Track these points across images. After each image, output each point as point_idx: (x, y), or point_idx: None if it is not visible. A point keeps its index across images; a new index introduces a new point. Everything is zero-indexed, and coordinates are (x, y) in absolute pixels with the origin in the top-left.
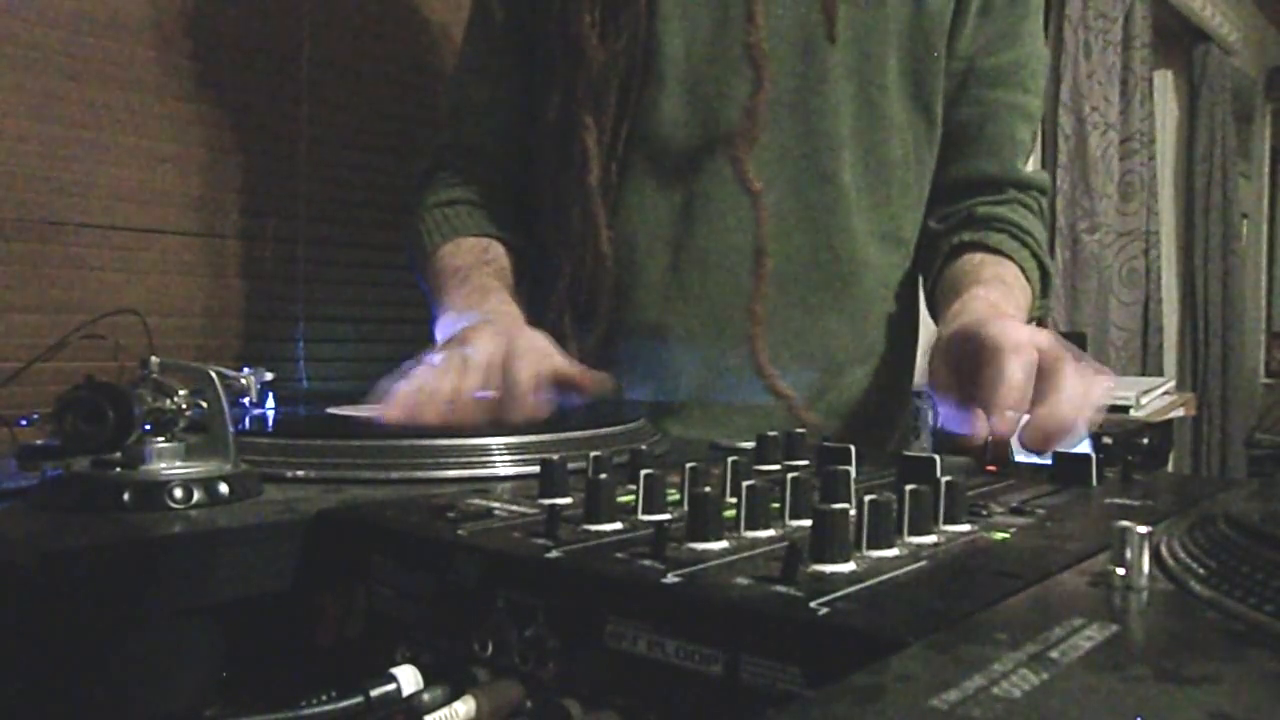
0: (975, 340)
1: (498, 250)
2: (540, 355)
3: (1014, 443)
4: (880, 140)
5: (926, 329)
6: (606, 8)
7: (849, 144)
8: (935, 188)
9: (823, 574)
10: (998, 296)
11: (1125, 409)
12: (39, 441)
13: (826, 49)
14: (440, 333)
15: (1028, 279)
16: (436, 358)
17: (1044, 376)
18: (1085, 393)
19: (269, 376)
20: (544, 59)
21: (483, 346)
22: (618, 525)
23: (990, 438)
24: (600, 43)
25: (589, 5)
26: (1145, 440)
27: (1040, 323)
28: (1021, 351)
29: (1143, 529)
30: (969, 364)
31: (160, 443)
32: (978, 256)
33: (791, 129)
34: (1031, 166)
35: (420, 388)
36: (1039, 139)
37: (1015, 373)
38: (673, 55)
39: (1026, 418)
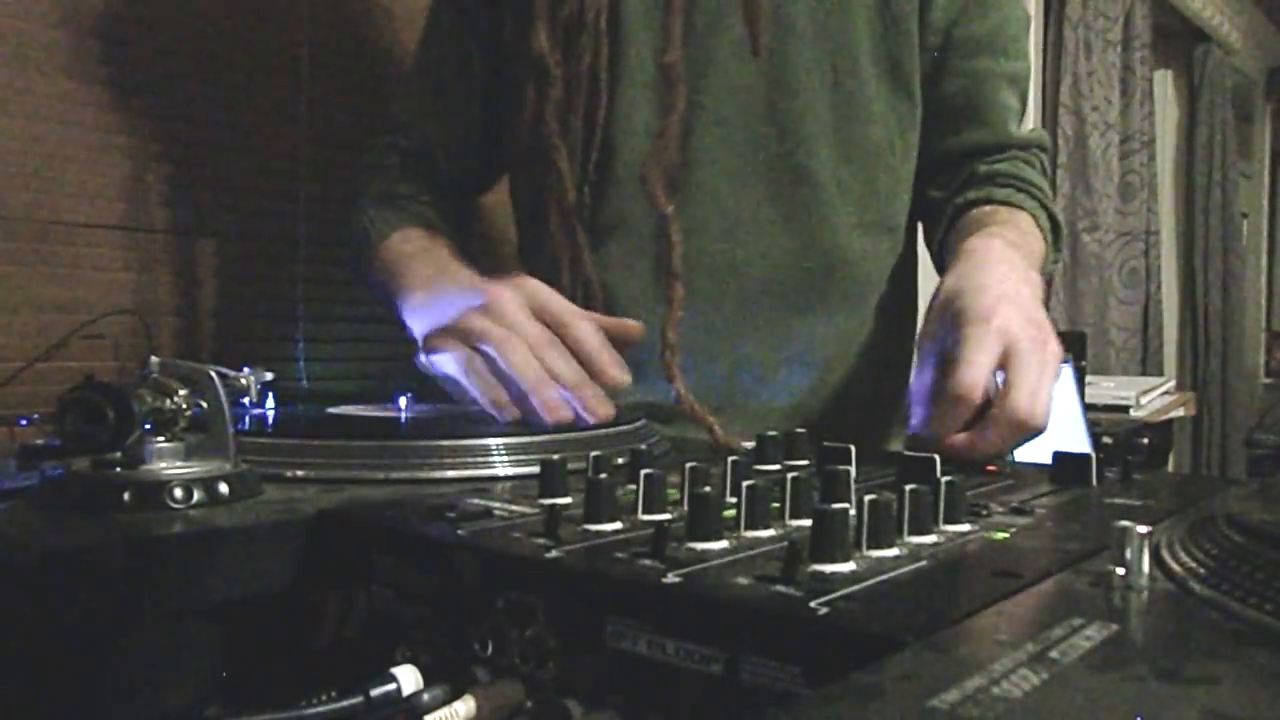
0: (954, 312)
1: (445, 240)
2: (579, 311)
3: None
4: (859, 129)
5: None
6: (564, 27)
7: (826, 137)
8: (930, 162)
9: (823, 574)
10: (1014, 236)
11: (1125, 409)
12: (39, 441)
13: (794, 45)
14: (415, 314)
15: (1039, 227)
16: (486, 344)
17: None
18: (1038, 383)
19: (269, 376)
20: (510, 84)
21: (522, 317)
22: (618, 525)
23: (955, 443)
24: (562, 62)
25: (548, 28)
26: (1145, 440)
27: (1044, 296)
28: (983, 351)
29: (1143, 529)
30: (948, 337)
31: (160, 443)
32: (987, 207)
33: (765, 129)
34: (1025, 127)
35: (538, 382)
36: None
37: (972, 367)
38: (640, 62)
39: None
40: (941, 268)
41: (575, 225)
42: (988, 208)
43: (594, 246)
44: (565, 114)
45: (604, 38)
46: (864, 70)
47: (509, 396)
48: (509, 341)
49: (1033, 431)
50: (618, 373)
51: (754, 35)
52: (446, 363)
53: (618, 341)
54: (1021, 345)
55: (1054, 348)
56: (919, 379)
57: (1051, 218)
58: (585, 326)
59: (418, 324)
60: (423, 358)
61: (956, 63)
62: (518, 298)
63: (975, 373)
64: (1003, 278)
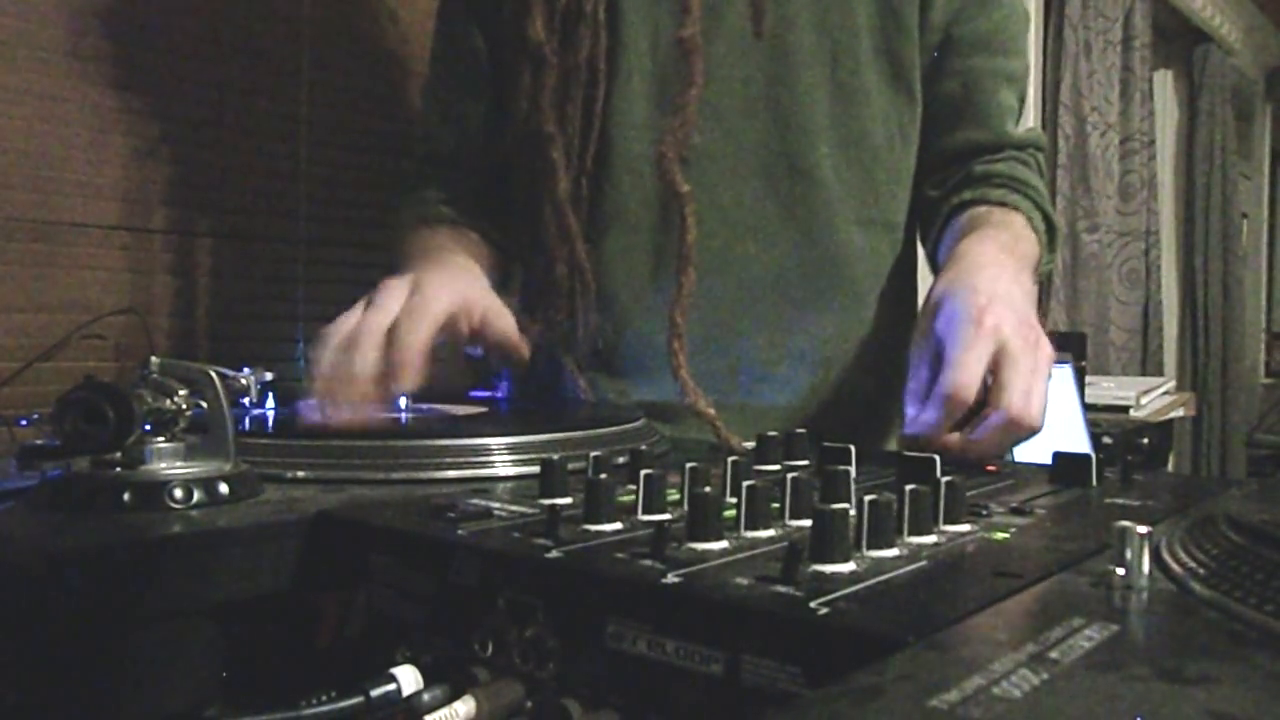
0: (946, 314)
1: (472, 234)
2: (430, 313)
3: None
4: (859, 125)
5: None
6: (562, 17)
7: (826, 133)
8: (927, 160)
9: (823, 574)
10: (1006, 239)
11: (1125, 409)
12: (39, 441)
13: (794, 39)
14: None
15: (1033, 229)
16: (348, 322)
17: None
18: (1029, 385)
19: (269, 376)
20: (508, 71)
21: (384, 304)
22: (618, 525)
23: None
24: (559, 52)
25: (545, 16)
26: (1145, 440)
27: (1043, 300)
28: (975, 352)
29: (1143, 529)
30: (939, 338)
31: (160, 443)
32: (981, 208)
33: (764, 124)
34: (1024, 127)
35: (328, 378)
36: None
37: (963, 367)
38: (638, 54)
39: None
40: (935, 267)
41: (568, 215)
42: (982, 209)
43: (591, 239)
44: (562, 104)
45: (603, 28)
46: (864, 66)
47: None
48: (334, 329)
49: (1027, 431)
50: (404, 378)
51: (757, 14)
52: None
53: (503, 354)
54: (1013, 345)
55: (1046, 349)
56: (913, 381)
57: (1046, 218)
58: (407, 325)
59: None
60: None
61: (955, 61)
62: (400, 287)
63: (966, 373)
64: (993, 280)
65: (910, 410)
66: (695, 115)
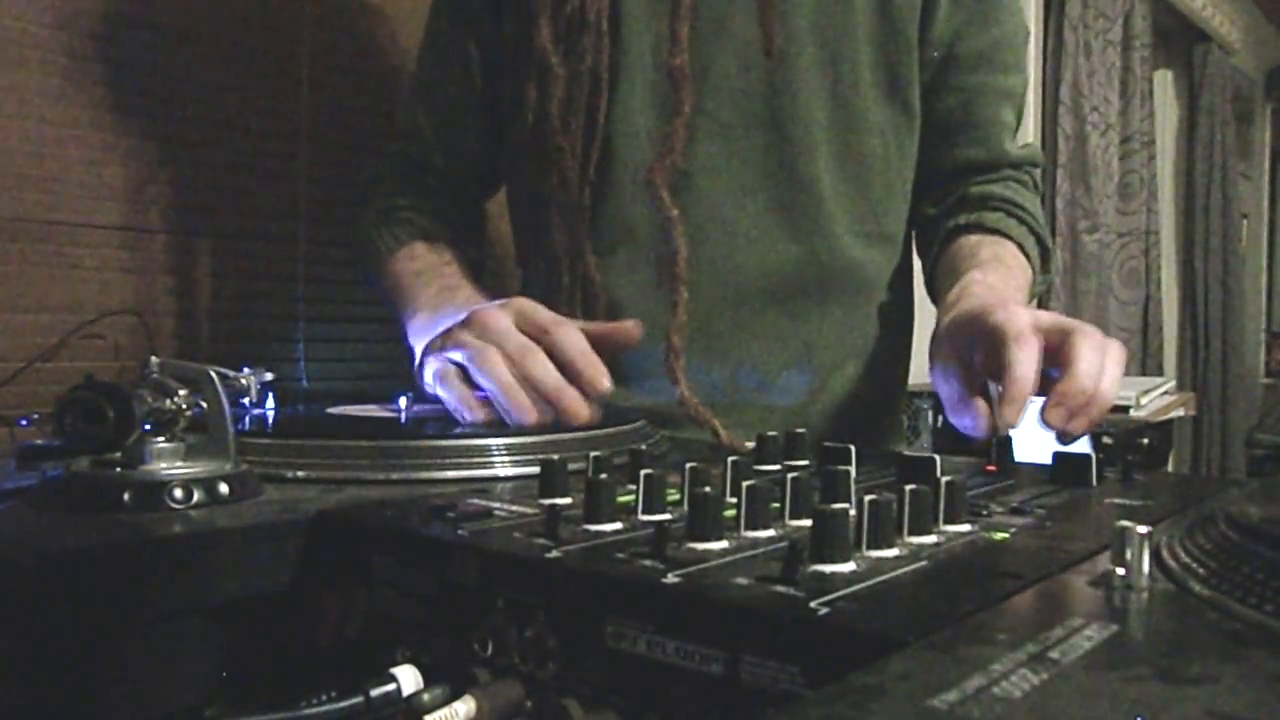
0: (978, 329)
1: (452, 255)
2: (565, 320)
3: (1016, 438)
4: (857, 139)
5: (921, 324)
6: (566, 28)
7: (825, 146)
8: (925, 176)
9: (823, 574)
10: (996, 279)
11: (1125, 409)
12: (39, 441)
13: (794, 53)
14: (417, 336)
15: (1026, 255)
16: (462, 353)
17: (1054, 355)
18: (1102, 361)
19: (269, 376)
20: (510, 82)
21: (505, 328)
22: (618, 525)
23: (996, 433)
24: (563, 63)
25: (550, 26)
26: (1145, 440)
27: (1042, 300)
28: (1024, 340)
29: (1143, 529)
30: (971, 354)
31: (160, 443)
32: (974, 238)
33: (765, 136)
34: (1020, 141)
35: (508, 385)
36: (1038, 138)
37: (1020, 364)
38: (640, 64)
39: (1041, 400)
40: (930, 287)
41: (575, 226)
42: (974, 238)
43: (595, 250)
44: (566, 114)
45: (606, 37)
46: (863, 80)
47: (478, 399)
48: (483, 351)
49: (1093, 414)
50: (597, 377)
51: (768, 36)
52: (429, 377)
53: (614, 346)
54: (1076, 333)
55: (1117, 345)
56: (947, 393)
57: (1040, 241)
58: (565, 332)
59: (418, 345)
60: (418, 376)
61: (956, 77)
62: (502, 313)
63: (1088, 368)
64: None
65: (961, 417)
66: (684, 141)
